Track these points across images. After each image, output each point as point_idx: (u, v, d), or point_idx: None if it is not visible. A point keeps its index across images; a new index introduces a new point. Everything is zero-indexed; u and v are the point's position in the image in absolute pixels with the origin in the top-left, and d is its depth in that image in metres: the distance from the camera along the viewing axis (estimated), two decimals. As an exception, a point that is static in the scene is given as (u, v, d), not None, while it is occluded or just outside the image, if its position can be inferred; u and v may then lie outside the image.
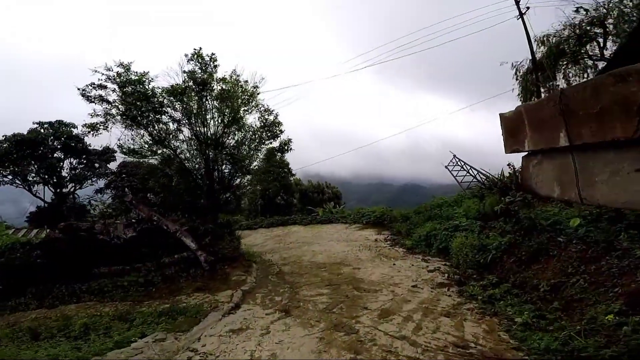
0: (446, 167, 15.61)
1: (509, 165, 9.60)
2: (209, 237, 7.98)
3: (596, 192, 6.40)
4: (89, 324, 5.32)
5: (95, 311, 6.12)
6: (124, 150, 8.83)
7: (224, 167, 9.33)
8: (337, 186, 26.62)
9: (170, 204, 8.95)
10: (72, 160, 15.83)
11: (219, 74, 9.19)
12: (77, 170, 15.92)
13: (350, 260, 8.43)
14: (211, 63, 9.31)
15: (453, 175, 15.10)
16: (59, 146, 14.98)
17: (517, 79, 16.54)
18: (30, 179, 14.75)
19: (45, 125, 14.89)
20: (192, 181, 8.88)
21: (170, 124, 8.81)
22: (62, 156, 15.27)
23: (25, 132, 14.24)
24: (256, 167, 9.85)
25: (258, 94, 9.38)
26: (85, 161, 15.78)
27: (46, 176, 15.22)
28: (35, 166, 14.85)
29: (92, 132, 8.26)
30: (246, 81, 9.22)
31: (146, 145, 8.75)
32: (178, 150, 9.01)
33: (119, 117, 8.33)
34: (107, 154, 15.46)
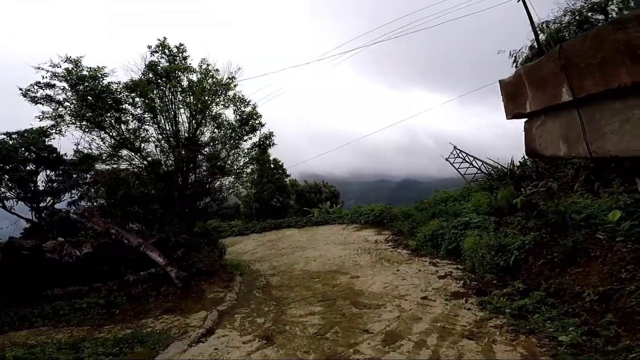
0: (447, 159, 14.71)
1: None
2: (182, 250, 6.92)
3: (606, 143, 6.05)
4: (24, 357, 4.41)
5: (46, 338, 5.27)
6: (77, 156, 7.80)
7: (198, 169, 8.26)
8: (336, 185, 25.61)
9: (134, 214, 7.86)
10: (47, 172, 14.61)
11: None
12: (54, 183, 14.69)
13: (348, 267, 7.46)
14: (179, 54, 8.30)
15: (455, 167, 14.17)
16: (30, 157, 13.80)
17: (516, 67, 15.89)
18: (1, 194, 13.49)
19: (14, 135, 13.74)
20: (160, 187, 7.78)
21: (131, 122, 7.75)
22: (35, 168, 14.06)
23: (-8, 144, 13.16)
24: (236, 168, 8.73)
25: (235, 85, 8.32)
26: (61, 172, 14.56)
27: (19, 191, 13.99)
28: (7, 180, 13.64)
29: (43, 138, 7.26)
30: (217, 70, 8.16)
31: (109, 149, 7.68)
32: (144, 152, 7.93)
33: (69, 118, 7.28)
34: (85, 163, 14.20)
